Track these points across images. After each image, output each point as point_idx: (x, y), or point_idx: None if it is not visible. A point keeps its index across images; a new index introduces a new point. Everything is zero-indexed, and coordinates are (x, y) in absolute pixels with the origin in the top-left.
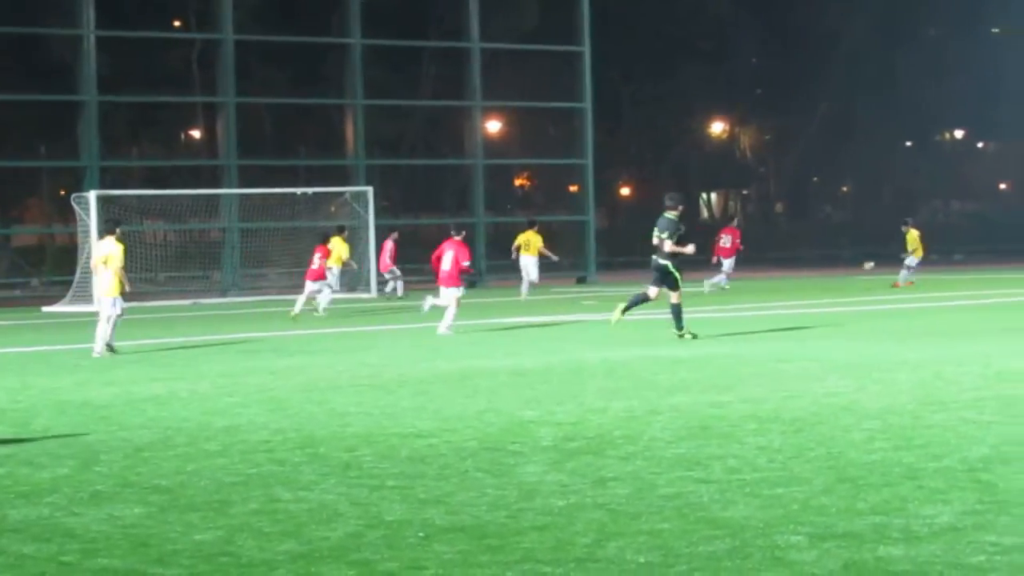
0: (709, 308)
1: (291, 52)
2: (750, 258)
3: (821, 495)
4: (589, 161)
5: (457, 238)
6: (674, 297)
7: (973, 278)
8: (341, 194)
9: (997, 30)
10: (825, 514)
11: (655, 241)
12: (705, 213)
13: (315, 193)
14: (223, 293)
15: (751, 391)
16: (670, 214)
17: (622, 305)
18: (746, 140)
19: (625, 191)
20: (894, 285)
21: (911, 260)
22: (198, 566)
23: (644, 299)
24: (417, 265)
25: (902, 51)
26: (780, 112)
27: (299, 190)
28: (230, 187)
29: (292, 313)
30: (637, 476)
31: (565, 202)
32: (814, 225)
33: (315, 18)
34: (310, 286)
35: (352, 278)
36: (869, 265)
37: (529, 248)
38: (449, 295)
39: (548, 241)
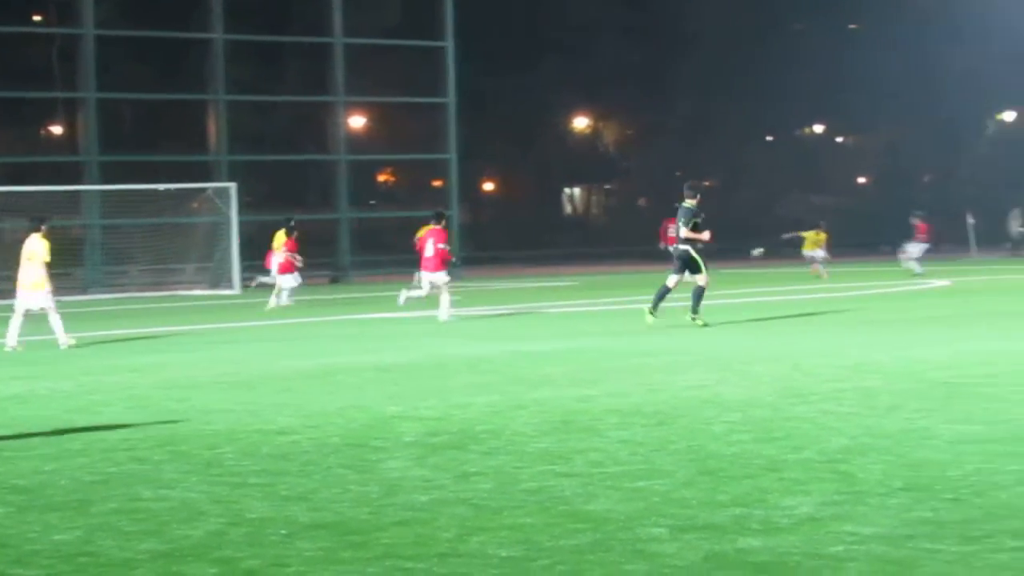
0: (580, 302)
1: (153, 47)
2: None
3: (682, 487)
4: (453, 156)
5: (438, 226)
6: (700, 280)
7: (832, 271)
8: (204, 190)
9: (855, 26)
10: (686, 506)
11: (687, 233)
12: (568, 208)
13: (178, 189)
14: (85, 290)
15: (614, 385)
16: (688, 203)
17: (648, 306)
18: (609, 135)
19: (489, 186)
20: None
21: (818, 253)
22: (57, 566)
23: (666, 291)
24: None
25: (763, 46)
26: (643, 107)
27: (162, 186)
28: (92, 183)
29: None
30: (500, 470)
31: (429, 197)
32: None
33: (177, 13)
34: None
35: (214, 275)
36: (757, 252)
37: None
38: (436, 279)
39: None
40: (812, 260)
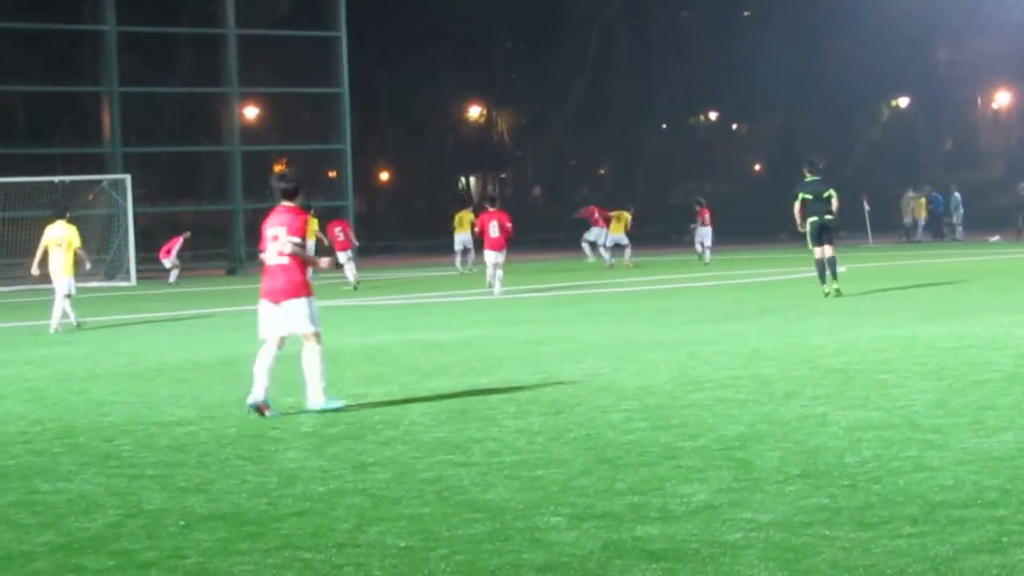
0: (475, 291)
1: (45, 39)
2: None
3: (580, 476)
4: (347, 146)
5: (493, 209)
6: (831, 250)
7: (727, 259)
8: (99, 182)
9: (749, 13)
10: (584, 495)
11: (799, 206)
12: (464, 197)
13: (72, 182)
14: None
15: (510, 374)
16: (816, 176)
17: (828, 279)
18: (503, 124)
19: (383, 176)
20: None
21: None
22: None
23: (823, 270)
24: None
25: (655, 33)
26: (535, 95)
27: (56, 178)
28: None
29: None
30: (397, 460)
31: (324, 188)
32: (572, 207)
33: (69, 5)
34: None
35: (110, 267)
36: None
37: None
38: (498, 258)
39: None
40: (617, 245)
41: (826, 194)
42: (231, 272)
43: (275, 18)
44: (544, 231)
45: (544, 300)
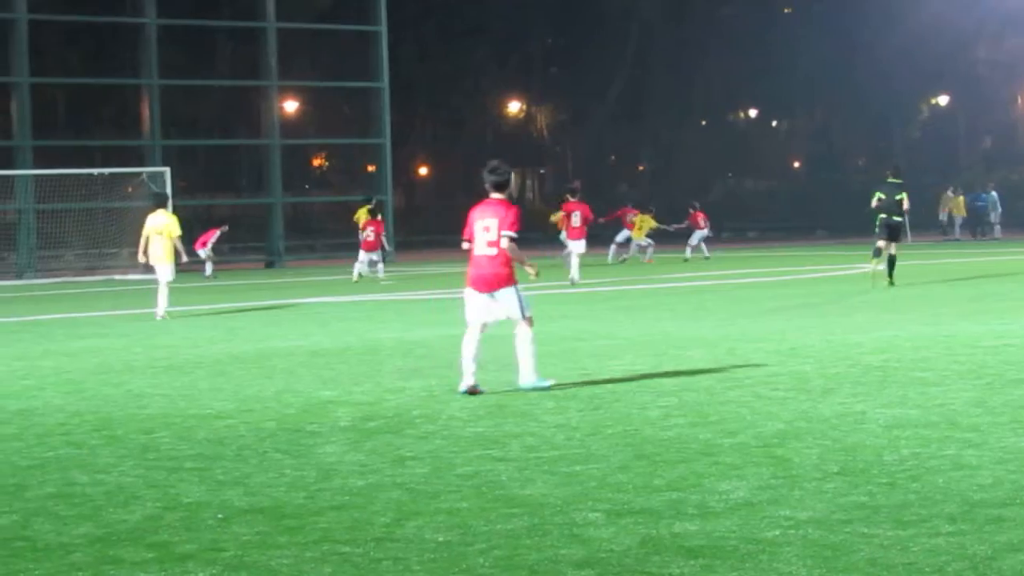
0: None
1: (86, 32)
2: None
3: (618, 472)
4: (387, 140)
5: (574, 200)
6: (895, 248)
7: (766, 255)
8: (138, 175)
9: (788, 9)
10: (622, 491)
11: (875, 203)
12: None
13: (111, 174)
14: (19, 275)
15: (548, 370)
16: (896, 179)
17: (884, 269)
18: (542, 119)
19: (422, 170)
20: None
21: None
22: None
23: (879, 252)
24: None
25: (695, 30)
26: (575, 91)
27: (95, 171)
28: (25, 168)
29: (354, 279)
30: (436, 455)
31: (363, 182)
32: (610, 203)
33: None
34: (364, 255)
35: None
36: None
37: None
38: (579, 246)
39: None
40: (640, 248)
41: (897, 196)
42: (269, 265)
43: (316, 12)
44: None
45: (581, 296)
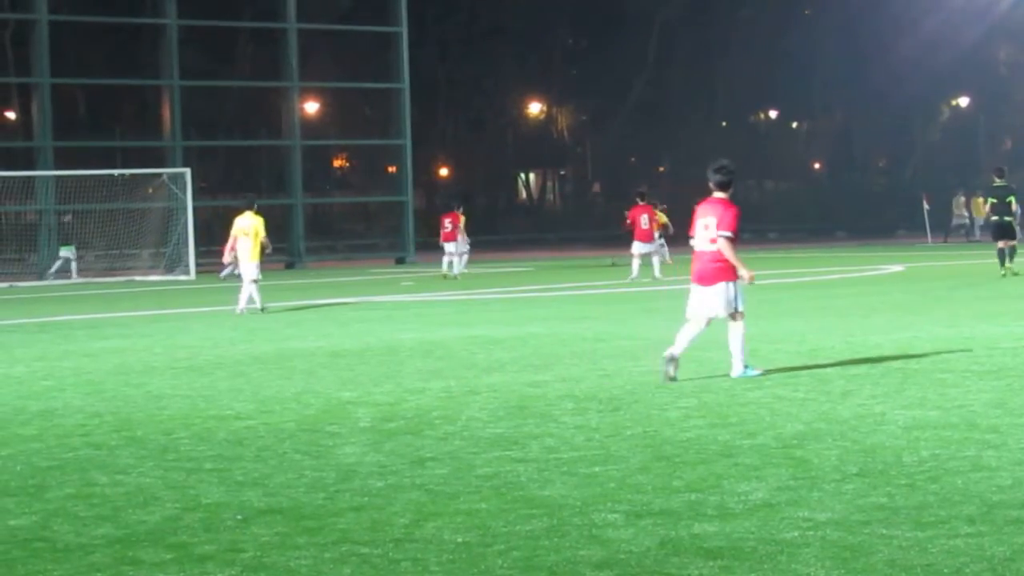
0: (533, 287)
1: (107, 33)
2: (570, 238)
3: (637, 473)
4: (407, 141)
5: (643, 203)
6: (1010, 243)
7: (786, 256)
8: (158, 176)
9: (808, 11)
10: (641, 492)
11: (987, 207)
12: (524, 193)
13: (132, 175)
14: (39, 276)
15: (568, 370)
16: (1002, 180)
17: (1005, 265)
18: (563, 120)
19: (443, 171)
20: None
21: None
22: (12, 552)
23: (1002, 253)
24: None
25: (716, 31)
26: (595, 92)
27: (116, 172)
28: (45, 169)
29: (446, 273)
30: (455, 456)
31: (383, 183)
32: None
33: None
34: (450, 247)
35: (169, 261)
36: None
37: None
38: (647, 248)
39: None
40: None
41: (1008, 199)
42: (290, 266)
43: (336, 13)
44: (602, 228)
45: (603, 297)
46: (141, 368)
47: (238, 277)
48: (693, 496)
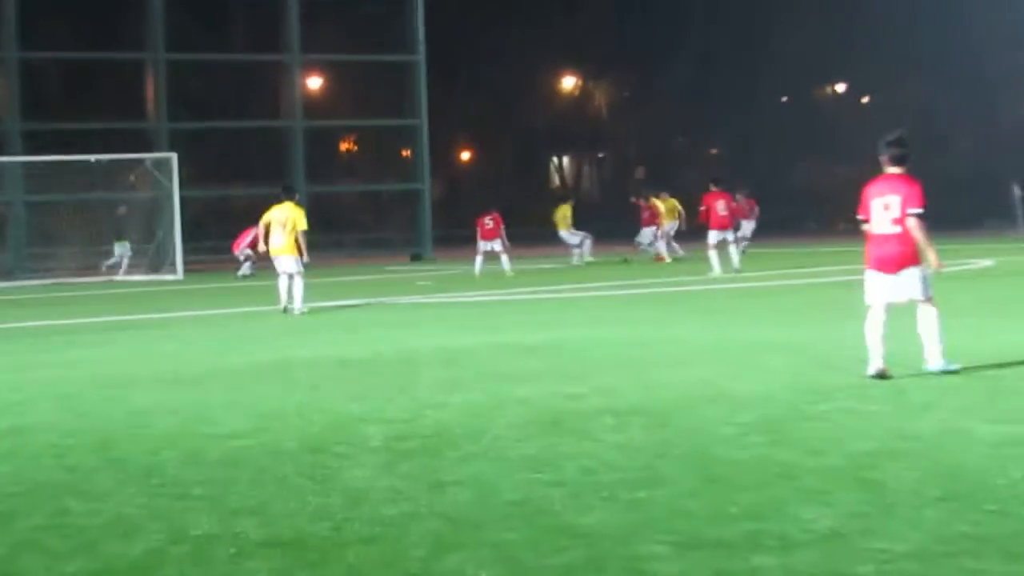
0: (568, 287)
1: (82, 1)
2: (610, 230)
3: (687, 498)
4: (423, 122)
5: (717, 189)
6: None
7: (857, 249)
8: (141, 162)
9: None
10: (692, 519)
11: None
12: (556, 179)
13: (111, 161)
14: (7, 275)
15: (608, 380)
16: None
17: None
18: (600, 97)
19: (464, 156)
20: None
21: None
22: None
23: None
24: (229, 241)
25: None
26: (637, 65)
27: (93, 157)
28: (13, 154)
29: (509, 274)
30: (480, 479)
31: (397, 169)
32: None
33: None
34: (490, 246)
35: (154, 258)
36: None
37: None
38: (725, 236)
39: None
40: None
41: None
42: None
43: None
44: None
45: (646, 297)
46: (122, 380)
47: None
48: (750, 524)
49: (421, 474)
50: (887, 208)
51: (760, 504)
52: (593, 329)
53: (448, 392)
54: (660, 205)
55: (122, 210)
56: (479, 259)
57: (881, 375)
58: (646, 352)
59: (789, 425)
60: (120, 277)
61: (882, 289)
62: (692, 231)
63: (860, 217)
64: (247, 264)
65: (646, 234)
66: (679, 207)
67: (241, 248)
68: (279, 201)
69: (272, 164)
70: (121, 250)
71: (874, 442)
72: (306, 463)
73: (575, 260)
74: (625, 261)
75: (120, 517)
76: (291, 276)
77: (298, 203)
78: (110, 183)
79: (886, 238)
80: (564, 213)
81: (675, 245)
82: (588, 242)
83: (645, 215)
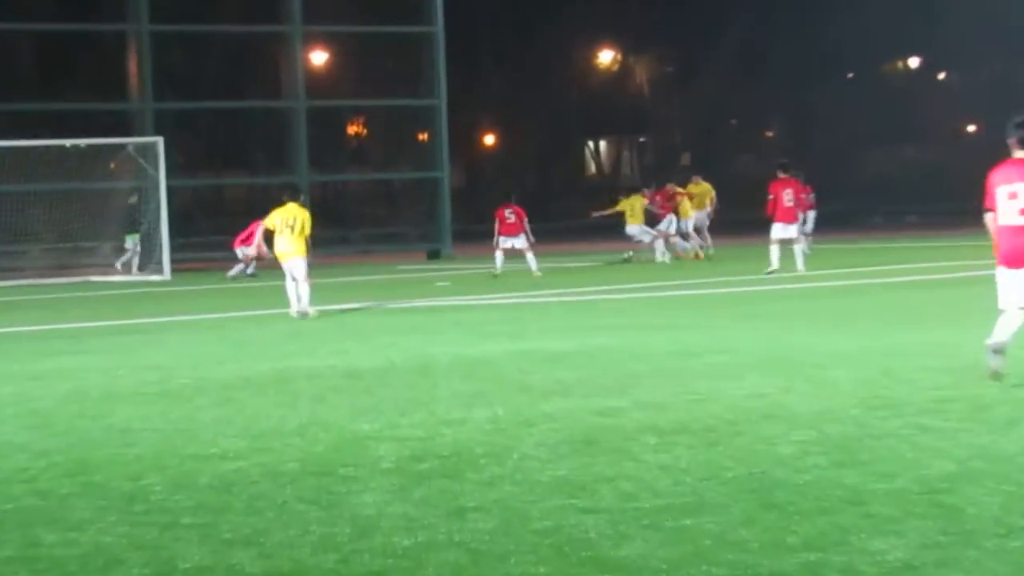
0: (603, 287)
1: None
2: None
3: (740, 526)
4: (442, 102)
5: (785, 176)
6: None
7: (931, 245)
8: (123, 147)
9: None
10: (746, 551)
11: None
12: (593, 167)
13: (89, 146)
14: None
15: (650, 394)
16: None
17: None
18: (642, 73)
19: (488, 140)
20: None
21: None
22: None
23: None
24: (223, 236)
25: None
26: (684, 38)
27: (68, 142)
28: None
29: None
30: (505, 505)
31: (412, 155)
32: (731, 180)
33: None
34: (513, 243)
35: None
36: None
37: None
38: (788, 232)
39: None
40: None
41: None
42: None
43: None
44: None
45: (692, 299)
46: (100, 394)
47: (254, 276)
48: (812, 556)
49: (439, 499)
50: (1014, 197)
51: (822, 533)
52: (631, 335)
53: (468, 407)
54: (682, 192)
55: (134, 198)
56: (499, 256)
57: (998, 351)
58: (692, 362)
59: (855, 444)
60: (131, 276)
61: (1014, 288)
62: (729, 222)
63: (986, 208)
64: (241, 266)
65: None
66: (712, 193)
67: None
68: (281, 204)
69: (271, 150)
70: (134, 244)
71: (952, 464)
72: (309, 487)
73: (659, 256)
74: (626, 261)
75: (99, 548)
76: (300, 280)
77: (303, 204)
78: (88, 171)
79: (1015, 231)
80: (636, 205)
81: (707, 236)
82: (660, 241)
83: (658, 200)
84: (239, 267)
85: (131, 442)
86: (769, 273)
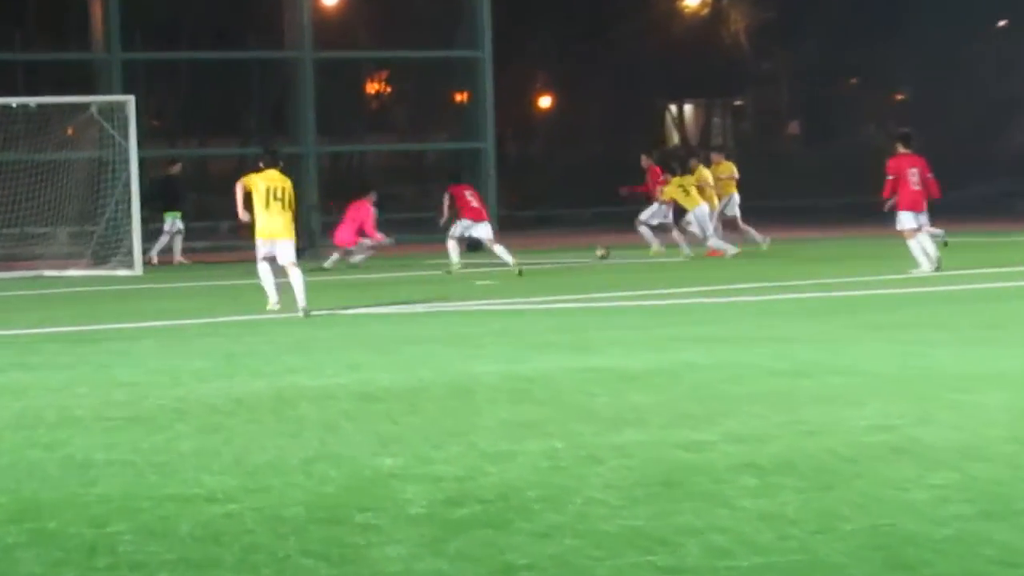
0: (687, 289)
1: None
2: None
3: None
4: (485, 54)
5: (907, 151)
6: None
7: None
8: (85, 107)
9: None
10: None
11: None
12: (676, 137)
13: (40, 106)
14: None
15: (746, 423)
16: None
17: None
18: (738, 20)
19: (544, 102)
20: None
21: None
22: None
23: None
24: (208, 222)
25: None
26: None
27: (15, 101)
28: None
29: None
30: (564, 562)
31: (448, 121)
32: (850, 155)
33: None
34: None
35: (100, 245)
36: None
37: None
38: (919, 220)
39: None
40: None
41: None
42: (298, 252)
43: None
44: (805, 194)
45: (802, 304)
46: (55, 418)
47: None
48: None
49: (481, 554)
50: None
51: None
52: (723, 349)
53: (518, 438)
54: (662, 180)
55: (176, 167)
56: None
57: None
58: (801, 384)
59: (1009, 490)
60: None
61: None
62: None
63: None
64: (354, 254)
65: (657, 212)
66: (736, 175)
67: (364, 240)
68: (257, 169)
69: (269, 112)
70: (172, 223)
71: None
72: (317, 538)
73: (762, 243)
74: (602, 258)
75: None
76: (288, 266)
77: (284, 172)
78: (41, 137)
79: None
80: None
81: (751, 229)
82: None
83: (648, 182)
84: (363, 255)
85: (93, 479)
86: (915, 273)
